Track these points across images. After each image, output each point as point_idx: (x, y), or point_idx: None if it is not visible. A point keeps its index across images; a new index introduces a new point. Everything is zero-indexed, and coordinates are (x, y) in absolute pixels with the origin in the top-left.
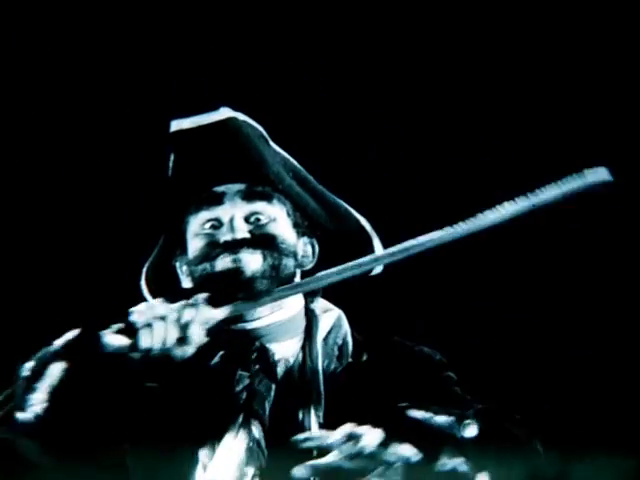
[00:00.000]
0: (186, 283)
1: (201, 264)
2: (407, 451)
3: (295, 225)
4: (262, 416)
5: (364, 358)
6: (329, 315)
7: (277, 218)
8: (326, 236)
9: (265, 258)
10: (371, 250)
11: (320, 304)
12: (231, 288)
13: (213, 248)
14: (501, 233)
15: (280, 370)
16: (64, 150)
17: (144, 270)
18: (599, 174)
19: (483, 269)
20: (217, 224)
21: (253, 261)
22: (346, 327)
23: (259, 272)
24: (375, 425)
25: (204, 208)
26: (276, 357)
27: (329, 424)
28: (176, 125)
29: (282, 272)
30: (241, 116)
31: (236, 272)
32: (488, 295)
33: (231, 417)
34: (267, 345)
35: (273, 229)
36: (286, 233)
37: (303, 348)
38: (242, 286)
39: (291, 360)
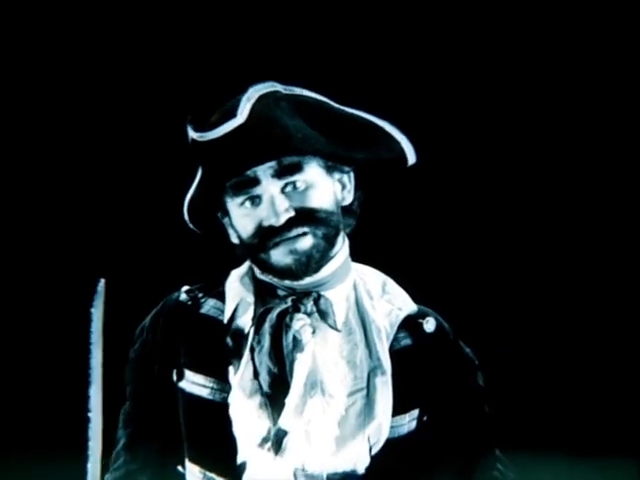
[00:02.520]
0: (234, 239)
1: (257, 253)
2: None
3: (329, 169)
4: (320, 359)
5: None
6: (375, 271)
7: (313, 181)
8: (361, 165)
9: (315, 235)
10: (402, 154)
11: None
12: (290, 274)
13: (262, 235)
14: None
15: (337, 312)
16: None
17: (186, 204)
18: None
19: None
20: (258, 201)
21: (305, 243)
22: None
23: (314, 250)
24: None
25: (241, 191)
26: (332, 302)
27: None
28: (199, 137)
29: (331, 237)
30: (260, 90)
31: (293, 261)
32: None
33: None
34: (323, 293)
35: (312, 197)
36: (325, 193)
37: (355, 288)
38: (300, 270)
39: (345, 302)
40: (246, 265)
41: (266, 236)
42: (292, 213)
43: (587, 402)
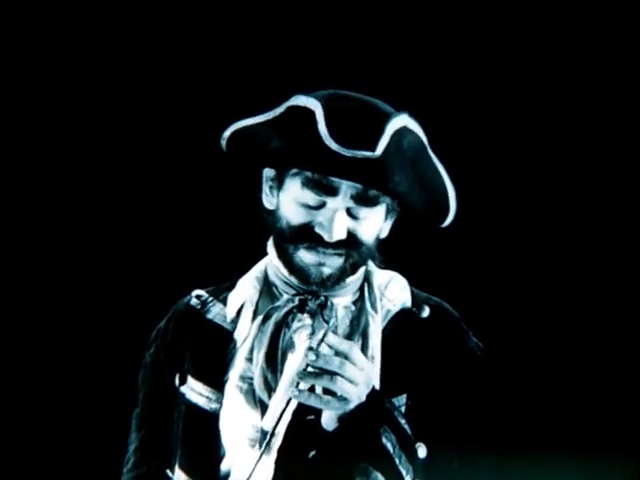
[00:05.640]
0: (269, 205)
1: (287, 242)
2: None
3: (389, 211)
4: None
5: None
6: (387, 273)
7: (374, 218)
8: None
9: (346, 260)
10: (443, 219)
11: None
12: (304, 278)
13: (304, 233)
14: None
15: (340, 317)
16: None
17: (231, 129)
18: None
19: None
20: (321, 205)
21: (336, 262)
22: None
23: (338, 271)
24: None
25: (314, 188)
26: (337, 307)
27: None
28: (325, 137)
29: (358, 267)
30: (397, 124)
31: (316, 271)
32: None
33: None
34: (330, 297)
35: (365, 230)
36: (375, 230)
37: (361, 293)
38: (316, 280)
39: (349, 309)
40: (262, 264)
41: (307, 237)
42: (344, 237)
43: (587, 400)
